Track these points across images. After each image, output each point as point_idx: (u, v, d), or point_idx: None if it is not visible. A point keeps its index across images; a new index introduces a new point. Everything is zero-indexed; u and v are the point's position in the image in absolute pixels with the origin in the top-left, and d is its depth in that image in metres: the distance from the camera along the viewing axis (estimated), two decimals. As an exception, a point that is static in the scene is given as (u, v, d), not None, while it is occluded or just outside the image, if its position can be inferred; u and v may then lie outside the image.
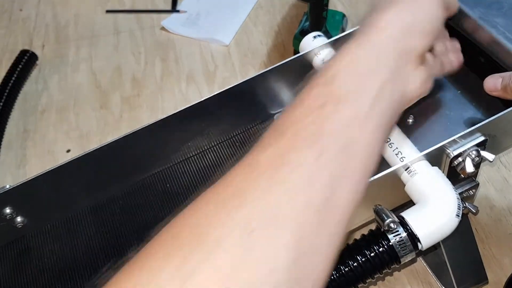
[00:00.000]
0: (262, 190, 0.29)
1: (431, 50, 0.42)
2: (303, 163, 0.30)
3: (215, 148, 0.60)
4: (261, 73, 0.56)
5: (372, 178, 0.44)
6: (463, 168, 0.45)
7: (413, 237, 0.41)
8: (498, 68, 0.51)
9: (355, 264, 0.42)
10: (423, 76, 0.39)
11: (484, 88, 0.48)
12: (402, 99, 0.37)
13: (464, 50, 0.50)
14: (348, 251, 0.43)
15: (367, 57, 0.35)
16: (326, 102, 0.32)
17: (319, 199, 0.30)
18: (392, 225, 0.42)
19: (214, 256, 0.27)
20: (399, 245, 0.42)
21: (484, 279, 0.55)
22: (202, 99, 0.55)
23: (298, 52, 0.57)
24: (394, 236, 0.42)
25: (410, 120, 0.53)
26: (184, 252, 0.27)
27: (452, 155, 0.45)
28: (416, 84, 0.39)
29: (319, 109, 0.32)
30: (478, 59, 0.52)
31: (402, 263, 0.43)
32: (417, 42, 0.38)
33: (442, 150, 0.45)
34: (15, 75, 0.81)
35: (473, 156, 0.45)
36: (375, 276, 0.43)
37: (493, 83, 0.47)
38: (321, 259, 0.30)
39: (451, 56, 0.47)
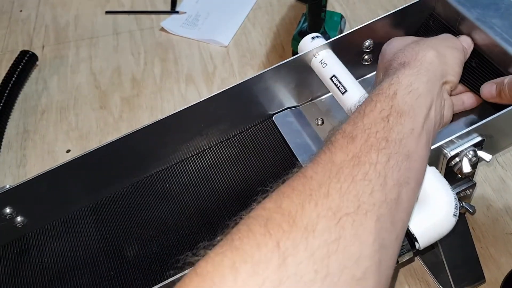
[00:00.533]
0: (345, 184, 0.32)
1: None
2: (377, 164, 0.34)
3: (214, 148, 0.61)
4: (259, 74, 0.56)
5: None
6: (460, 168, 0.46)
7: (410, 237, 0.41)
8: (492, 70, 0.52)
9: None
10: (451, 105, 0.48)
11: (482, 96, 0.51)
12: (440, 121, 0.43)
13: None
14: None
15: (420, 82, 0.42)
16: (390, 114, 0.37)
17: (391, 198, 0.33)
18: (389, 224, 0.42)
19: (308, 241, 0.29)
20: (397, 244, 0.42)
21: (481, 278, 0.55)
22: (201, 100, 0.55)
23: (297, 53, 0.57)
24: (391, 236, 0.42)
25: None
26: (280, 233, 0.29)
27: (449, 155, 0.45)
28: (448, 109, 0.47)
29: (384, 120, 0.37)
30: (470, 63, 0.53)
31: (399, 262, 0.43)
32: (451, 77, 0.47)
33: (439, 150, 0.46)
34: (15, 76, 0.81)
35: (470, 156, 0.45)
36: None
37: (489, 91, 0.50)
38: (392, 255, 0.33)
39: (465, 96, 0.53)
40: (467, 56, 0.52)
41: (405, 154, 0.36)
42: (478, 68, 0.52)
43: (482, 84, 0.51)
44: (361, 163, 0.33)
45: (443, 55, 0.46)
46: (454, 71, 0.47)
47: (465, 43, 0.52)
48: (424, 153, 0.39)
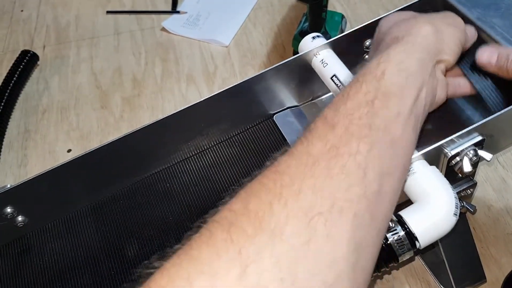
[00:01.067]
0: (319, 179, 0.29)
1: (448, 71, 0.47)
2: (357, 155, 0.31)
3: (214, 148, 0.61)
4: (260, 73, 0.56)
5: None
6: (461, 168, 0.46)
7: (411, 236, 0.42)
8: None
9: (354, 262, 0.42)
10: (445, 85, 0.44)
11: (476, 58, 0.47)
12: (431, 102, 0.41)
13: None
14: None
15: (412, 60, 0.38)
16: (375, 97, 0.34)
17: (371, 191, 0.30)
18: (390, 223, 0.42)
19: (274, 246, 0.26)
20: (397, 243, 0.42)
21: (482, 278, 0.55)
22: (202, 99, 0.55)
23: (298, 53, 0.57)
24: (392, 235, 0.42)
25: (409, 120, 0.54)
26: (244, 239, 0.27)
27: (450, 155, 0.45)
28: (442, 90, 0.43)
29: (369, 104, 0.34)
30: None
31: (400, 261, 0.43)
32: (446, 56, 0.43)
33: (440, 149, 0.45)
34: (16, 76, 0.82)
35: (470, 155, 0.45)
36: (373, 275, 0.44)
37: (488, 57, 0.46)
38: (372, 252, 0.30)
39: (462, 79, 0.49)
40: (469, 44, 0.48)
41: (390, 141, 0.33)
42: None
43: (478, 74, 0.48)
44: (339, 155, 0.31)
45: (440, 31, 0.42)
46: (450, 49, 0.43)
47: (469, 31, 0.48)
48: (411, 138, 0.36)
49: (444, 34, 0.43)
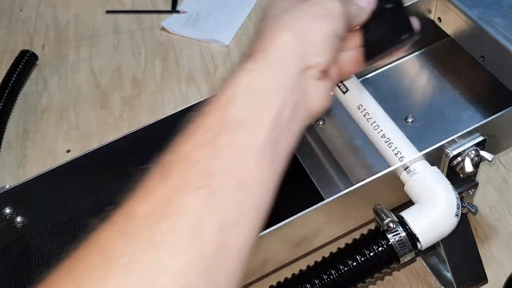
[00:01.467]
0: (137, 253, 0.24)
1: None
2: (188, 212, 0.26)
3: (214, 148, 0.60)
4: (260, 73, 0.56)
5: (371, 178, 0.44)
6: (462, 168, 0.45)
7: (412, 237, 0.41)
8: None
9: (355, 263, 0.42)
10: (325, 89, 0.36)
11: None
12: (303, 117, 0.34)
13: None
14: (348, 250, 0.43)
15: (266, 78, 0.32)
16: (219, 133, 0.29)
17: (209, 251, 0.26)
18: (391, 224, 0.42)
19: None
20: (398, 244, 0.42)
21: (483, 278, 0.55)
22: (202, 99, 0.55)
23: (298, 52, 0.57)
24: (393, 236, 0.42)
25: (410, 120, 0.54)
26: None
27: (451, 155, 0.45)
28: (319, 98, 0.36)
29: (211, 142, 0.28)
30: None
31: (401, 262, 0.43)
32: (317, 59, 0.35)
33: (441, 149, 0.45)
34: (15, 75, 0.81)
35: (472, 155, 0.45)
36: (375, 276, 0.43)
37: None
38: None
39: (352, 54, 0.41)
40: (360, 18, 0.39)
41: (236, 184, 0.28)
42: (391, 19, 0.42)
43: (392, 38, 0.41)
44: (167, 215, 0.25)
45: (302, 32, 0.34)
46: (320, 48, 0.35)
47: (363, 1, 0.39)
48: (271, 169, 0.30)
49: (308, 33, 0.35)
